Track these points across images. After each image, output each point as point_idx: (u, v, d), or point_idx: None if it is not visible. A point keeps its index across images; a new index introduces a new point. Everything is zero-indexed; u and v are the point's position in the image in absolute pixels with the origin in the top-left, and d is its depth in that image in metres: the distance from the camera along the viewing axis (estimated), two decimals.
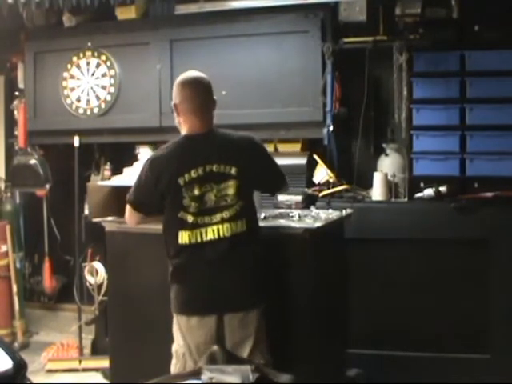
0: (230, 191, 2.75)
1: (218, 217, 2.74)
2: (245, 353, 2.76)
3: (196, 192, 2.73)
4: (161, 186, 2.77)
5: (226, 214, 2.75)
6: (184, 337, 2.84)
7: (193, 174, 2.73)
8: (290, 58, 4.50)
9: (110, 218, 3.40)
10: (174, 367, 2.91)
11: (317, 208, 3.58)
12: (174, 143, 2.84)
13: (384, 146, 4.49)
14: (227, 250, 2.75)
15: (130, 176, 3.51)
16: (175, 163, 2.77)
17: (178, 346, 2.89)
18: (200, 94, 2.82)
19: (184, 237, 2.75)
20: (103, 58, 5.01)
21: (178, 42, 4.82)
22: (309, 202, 3.71)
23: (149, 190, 2.81)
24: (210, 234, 2.74)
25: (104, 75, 5.01)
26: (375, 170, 4.43)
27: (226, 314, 2.78)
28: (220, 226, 2.74)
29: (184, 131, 2.86)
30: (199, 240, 2.74)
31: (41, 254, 5.56)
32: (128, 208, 2.92)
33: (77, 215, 4.98)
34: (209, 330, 2.78)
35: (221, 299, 2.77)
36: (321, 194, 4.20)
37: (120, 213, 3.39)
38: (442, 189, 4.15)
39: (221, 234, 2.74)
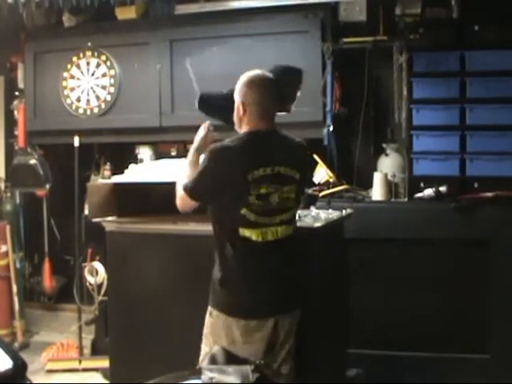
0: (292, 195, 2.74)
1: (277, 219, 2.71)
2: (285, 352, 2.76)
3: (262, 191, 2.66)
4: (226, 178, 2.66)
5: (285, 217, 2.73)
6: (234, 341, 2.69)
7: (261, 171, 2.66)
8: (290, 58, 4.47)
9: (109, 218, 3.40)
10: None
11: (317, 208, 3.58)
12: (240, 139, 2.72)
13: (384, 146, 4.49)
14: (282, 251, 2.74)
15: (129, 176, 3.51)
16: (245, 158, 2.66)
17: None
18: (269, 96, 2.75)
19: (246, 234, 2.66)
20: (103, 57, 5.01)
21: (177, 42, 4.82)
22: (309, 202, 3.71)
23: (212, 180, 2.68)
24: (270, 234, 2.69)
25: (104, 75, 5.01)
26: (375, 170, 4.43)
27: (281, 316, 2.74)
28: (279, 228, 2.71)
29: (245, 128, 2.76)
30: (260, 239, 2.68)
31: (41, 254, 5.56)
32: (182, 195, 2.76)
33: (77, 215, 4.98)
34: (266, 333, 2.71)
35: (277, 302, 2.74)
36: (321, 194, 4.20)
37: (120, 212, 3.40)
38: (442, 189, 4.15)
39: (278, 236, 2.71)
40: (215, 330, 2.73)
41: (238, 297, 2.70)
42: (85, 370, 4.71)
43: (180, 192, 2.77)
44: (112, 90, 4.99)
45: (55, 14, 5.16)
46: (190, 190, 2.71)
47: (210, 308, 2.77)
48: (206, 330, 2.79)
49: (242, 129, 2.77)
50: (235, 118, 2.79)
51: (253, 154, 2.68)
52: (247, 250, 2.68)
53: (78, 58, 5.08)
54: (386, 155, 4.46)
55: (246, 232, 2.66)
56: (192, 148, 2.92)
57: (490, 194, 4.04)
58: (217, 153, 2.67)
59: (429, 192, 4.17)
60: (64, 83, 5.12)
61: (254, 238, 2.66)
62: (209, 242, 2.77)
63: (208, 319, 2.78)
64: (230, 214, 2.68)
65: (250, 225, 2.66)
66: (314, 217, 3.33)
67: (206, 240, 2.75)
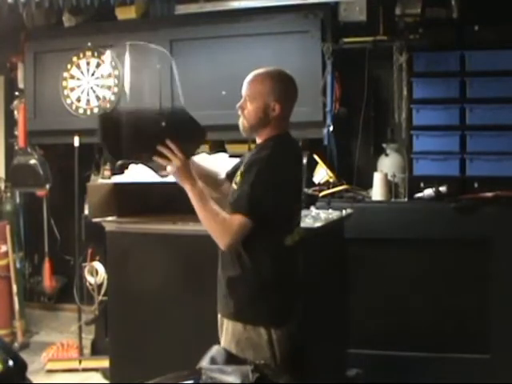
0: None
1: (299, 218, 2.71)
2: None
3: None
4: (294, 186, 2.57)
5: (300, 217, 2.72)
6: (273, 350, 2.48)
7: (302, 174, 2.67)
8: (290, 58, 4.49)
9: (109, 218, 3.40)
10: None
11: (317, 208, 3.58)
12: (283, 143, 2.55)
13: (384, 146, 4.49)
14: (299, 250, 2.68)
15: (129, 176, 3.51)
16: (297, 163, 2.62)
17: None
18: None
19: (288, 240, 2.53)
20: (103, 58, 5.01)
21: (177, 42, 4.82)
22: (309, 201, 3.71)
23: (281, 191, 2.45)
24: (296, 235, 2.60)
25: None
26: (375, 170, 4.43)
27: None
28: (297, 228, 2.67)
29: (274, 131, 2.54)
30: (293, 241, 2.57)
31: (41, 254, 5.56)
32: (238, 222, 2.38)
33: (77, 215, 4.98)
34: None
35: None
36: (321, 194, 4.20)
37: (120, 212, 3.40)
38: (442, 189, 4.16)
39: (300, 235, 2.65)
40: (279, 350, 2.49)
41: (280, 304, 2.52)
42: (85, 369, 4.70)
43: (228, 223, 2.40)
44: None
45: (55, 14, 5.16)
46: (250, 211, 2.38)
47: (251, 327, 2.47)
48: (252, 352, 2.47)
49: (268, 131, 2.55)
50: (256, 120, 2.53)
51: (298, 157, 2.64)
52: (285, 254, 2.54)
53: (78, 58, 5.08)
54: (386, 155, 4.46)
55: (289, 237, 2.54)
56: (190, 190, 2.48)
57: (489, 194, 4.04)
58: (277, 164, 2.45)
59: (429, 192, 4.18)
60: (64, 83, 5.12)
61: (290, 241, 2.55)
62: (209, 242, 2.76)
63: (253, 339, 2.47)
64: (283, 222, 2.52)
65: (291, 229, 2.57)
66: (314, 217, 3.34)
67: (206, 240, 2.74)
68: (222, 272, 2.58)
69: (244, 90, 2.57)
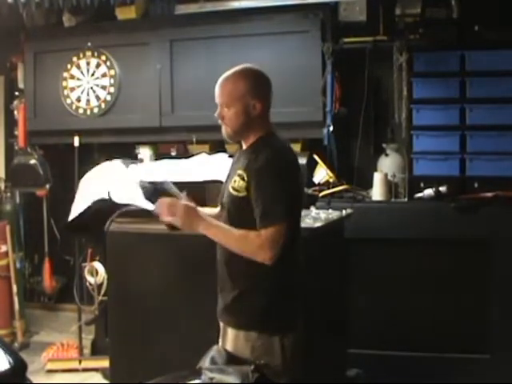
0: None
1: None
2: None
3: None
4: (302, 185, 2.56)
5: None
6: (285, 354, 2.42)
7: None
8: (290, 57, 4.50)
9: (109, 218, 3.39)
10: None
11: (317, 208, 3.58)
12: (279, 143, 2.47)
13: (384, 146, 4.49)
14: None
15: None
16: (297, 163, 2.51)
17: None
18: None
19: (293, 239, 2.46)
20: (103, 57, 5.01)
21: (177, 42, 4.82)
22: (309, 201, 3.71)
23: (297, 193, 2.42)
24: None
25: (104, 75, 5.01)
26: (375, 170, 4.43)
27: None
28: None
29: (260, 132, 2.46)
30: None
31: (41, 254, 5.56)
32: (275, 233, 2.30)
33: None
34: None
35: None
36: (321, 194, 4.20)
37: (120, 212, 3.39)
38: (442, 189, 4.16)
39: None
40: (290, 353, 2.44)
41: (293, 310, 2.49)
42: (85, 370, 4.71)
43: (264, 237, 2.30)
44: (112, 90, 4.99)
45: (55, 14, 5.17)
46: (285, 218, 2.31)
47: (266, 336, 2.40)
48: (267, 358, 2.40)
49: (254, 133, 2.46)
50: (239, 124, 2.44)
51: (295, 157, 2.54)
52: (295, 258, 2.48)
53: (78, 58, 5.08)
54: (386, 155, 4.46)
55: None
56: (205, 229, 2.43)
57: (489, 194, 4.04)
58: (287, 165, 2.41)
59: (429, 192, 4.18)
60: (64, 83, 5.12)
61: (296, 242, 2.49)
62: (209, 242, 2.76)
63: (266, 345, 2.41)
64: (298, 222, 2.50)
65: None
66: (314, 217, 3.33)
67: (206, 240, 2.74)
68: (232, 283, 2.47)
69: (218, 97, 2.47)
